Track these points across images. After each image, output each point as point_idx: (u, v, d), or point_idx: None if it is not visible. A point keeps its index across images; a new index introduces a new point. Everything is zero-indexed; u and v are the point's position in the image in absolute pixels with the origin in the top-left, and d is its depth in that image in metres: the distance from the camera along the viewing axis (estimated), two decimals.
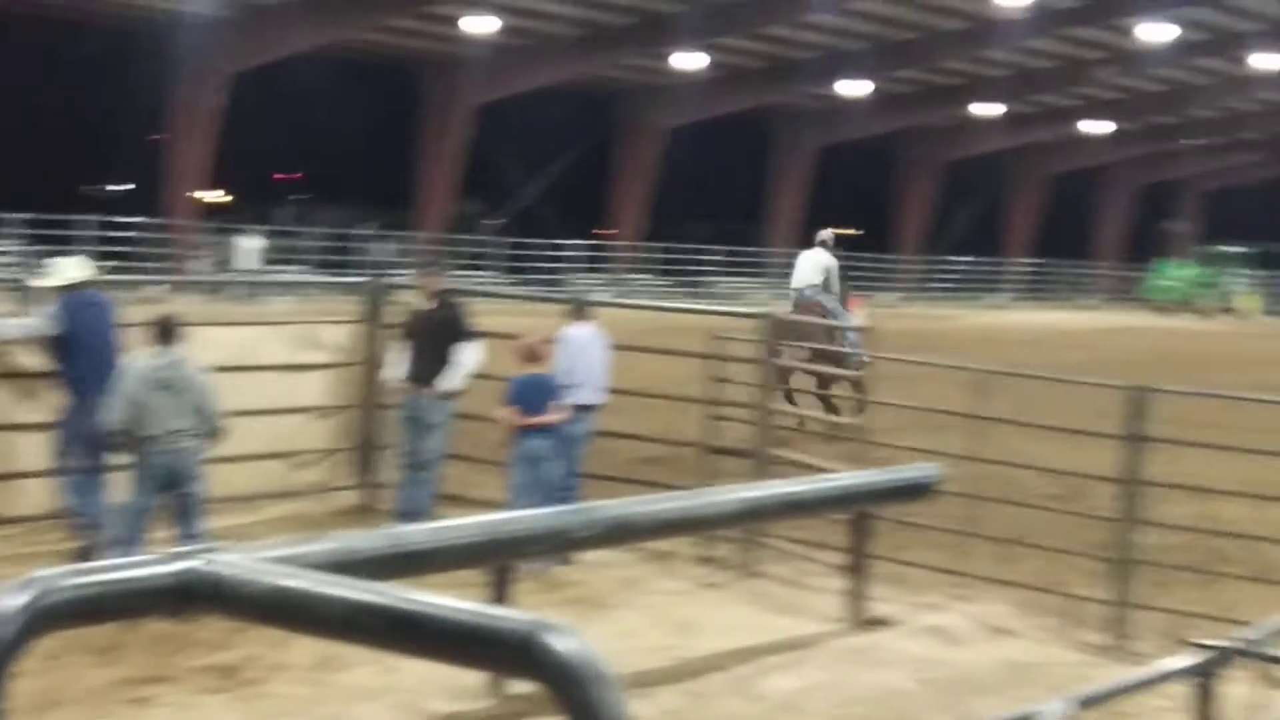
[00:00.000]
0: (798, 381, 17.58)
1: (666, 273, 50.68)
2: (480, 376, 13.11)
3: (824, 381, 18.33)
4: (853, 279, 51.31)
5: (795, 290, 20.48)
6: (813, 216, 57.46)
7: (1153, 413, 10.77)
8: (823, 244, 20.86)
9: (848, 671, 9.71)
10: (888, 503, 11.71)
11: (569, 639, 5.05)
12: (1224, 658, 4.29)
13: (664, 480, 13.04)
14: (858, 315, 23.27)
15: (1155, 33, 45.95)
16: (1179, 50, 48.10)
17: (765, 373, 12.79)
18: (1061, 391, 11.75)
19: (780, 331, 16.95)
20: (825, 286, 20.35)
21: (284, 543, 7.94)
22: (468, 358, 13.03)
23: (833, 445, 12.64)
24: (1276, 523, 11.83)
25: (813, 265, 20.65)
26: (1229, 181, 71.42)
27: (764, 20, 43.08)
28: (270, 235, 41.74)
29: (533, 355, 12.45)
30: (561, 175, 52.62)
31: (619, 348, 13.24)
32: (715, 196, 60.34)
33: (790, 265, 21.83)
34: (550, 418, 12.27)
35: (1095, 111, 58.70)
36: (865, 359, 15.66)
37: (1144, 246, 67.11)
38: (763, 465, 12.56)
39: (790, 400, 16.87)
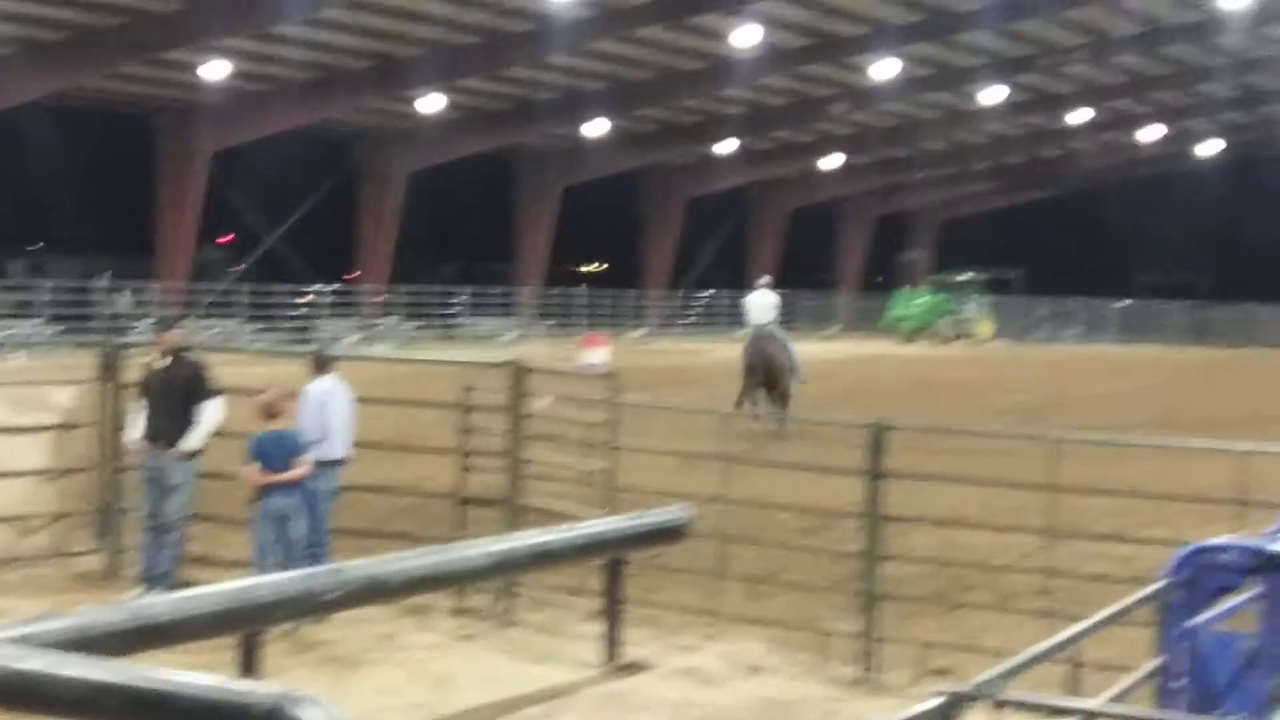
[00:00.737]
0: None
1: (415, 315, 50.35)
2: (222, 433, 12.83)
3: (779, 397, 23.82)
4: (600, 315, 51.90)
5: (755, 326, 24.90)
6: (560, 254, 57.79)
7: (891, 446, 11.01)
8: (767, 285, 25.78)
9: (604, 718, 9.72)
10: (640, 548, 11.79)
11: (315, 709, 4.96)
12: (961, 701, 4.40)
13: (416, 533, 12.90)
14: (599, 353, 25.59)
15: (884, 69, 47.31)
16: (908, 85, 49.60)
17: (515, 420, 12.75)
18: (808, 425, 11.92)
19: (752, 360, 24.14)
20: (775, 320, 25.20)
21: (19, 622, 7.67)
22: (208, 415, 12.75)
23: (584, 490, 12.62)
24: (1014, 549, 12.20)
25: (765, 305, 25.25)
26: (960, 211, 73.81)
27: (502, 62, 43.20)
28: (0, 290, 40.39)
29: (272, 411, 12.23)
30: (305, 220, 51.99)
31: (365, 400, 13.09)
32: (463, 237, 60.30)
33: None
34: (294, 474, 12.03)
35: (830, 146, 60.17)
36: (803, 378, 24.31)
37: (883, 276, 68.89)
38: (515, 514, 12.52)
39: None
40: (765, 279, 26.83)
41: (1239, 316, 63.96)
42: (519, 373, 12.88)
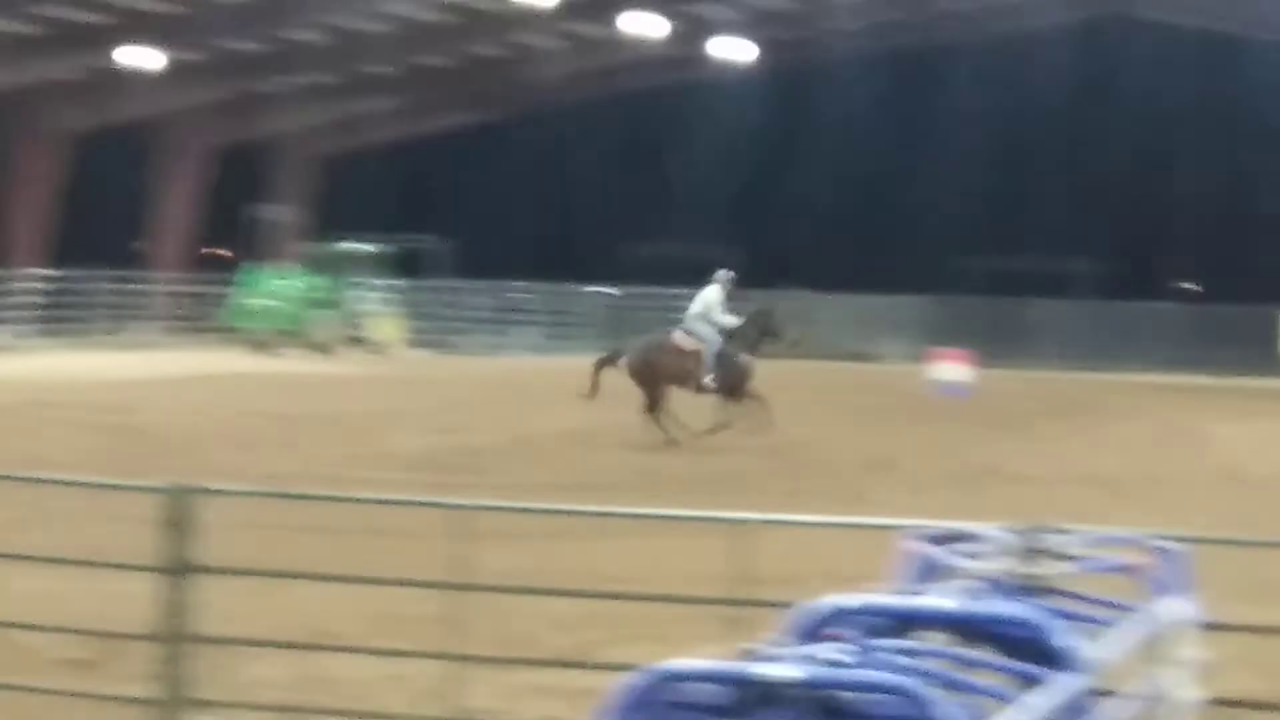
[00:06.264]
0: None
1: None
2: None
3: None
4: None
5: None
6: None
7: (206, 522, 7.55)
8: None
9: None
10: None
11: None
12: None
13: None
14: None
15: None
16: None
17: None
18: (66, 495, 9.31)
19: None
20: None
21: None
22: None
23: None
24: (409, 684, 8.21)
25: None
26: (351, 143, 46.36)
27: None
28: None
29: None
30: None
31: None
32: None
33: None
34: None
35: (132, 33, 37.18)
36: None
37: (229, 246, 45.06)
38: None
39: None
40: None
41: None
42: None
